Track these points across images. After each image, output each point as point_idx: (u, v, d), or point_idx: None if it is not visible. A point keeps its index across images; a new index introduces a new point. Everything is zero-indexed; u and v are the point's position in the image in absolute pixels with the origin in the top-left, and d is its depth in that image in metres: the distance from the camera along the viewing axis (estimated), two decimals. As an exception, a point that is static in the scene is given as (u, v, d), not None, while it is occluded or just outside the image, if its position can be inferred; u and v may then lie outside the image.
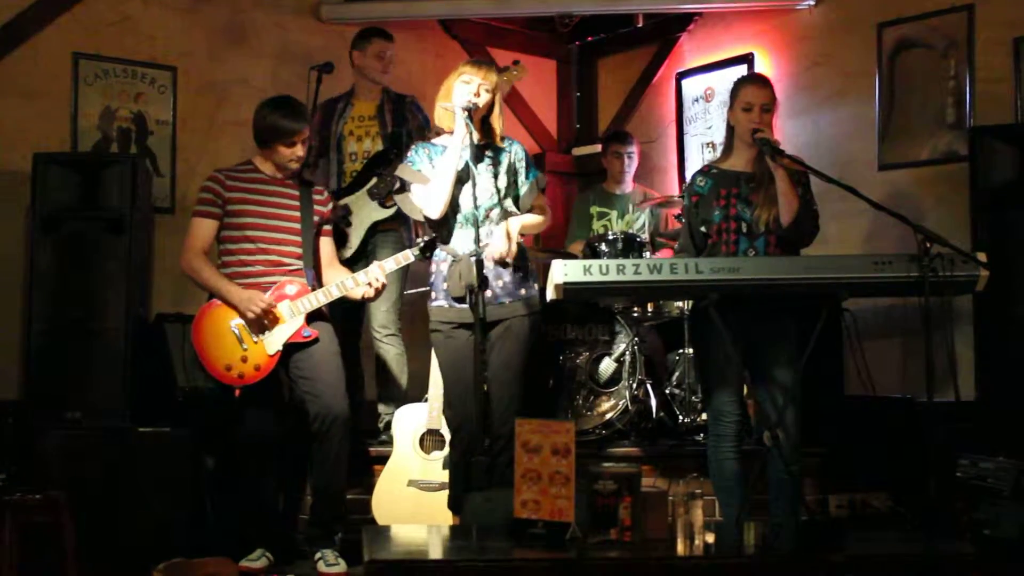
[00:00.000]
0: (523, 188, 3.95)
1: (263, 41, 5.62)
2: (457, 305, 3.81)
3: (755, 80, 4.00)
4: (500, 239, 3.80)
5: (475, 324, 3.64)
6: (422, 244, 3.95)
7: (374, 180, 4.77)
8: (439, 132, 4.01)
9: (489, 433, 3.70)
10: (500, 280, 3.84)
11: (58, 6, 5.04)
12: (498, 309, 3.81)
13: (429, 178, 3.84)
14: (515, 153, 3.95)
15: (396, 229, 4.85)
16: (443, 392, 4.07)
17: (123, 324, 4.35)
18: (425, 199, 3.85)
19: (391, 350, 4.89)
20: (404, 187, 3.97)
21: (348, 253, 4.69)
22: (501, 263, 3.83)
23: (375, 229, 4.78)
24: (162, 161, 5.28)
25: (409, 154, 3.99)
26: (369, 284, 3.98)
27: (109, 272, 4.38)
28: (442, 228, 3.89)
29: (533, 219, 3.95)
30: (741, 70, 5.78)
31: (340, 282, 4.02)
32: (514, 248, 3.83)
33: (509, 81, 4.83)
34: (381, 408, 4.96)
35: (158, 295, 5.05)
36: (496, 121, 3.88)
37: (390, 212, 4.78)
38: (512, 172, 3.92)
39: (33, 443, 4.13)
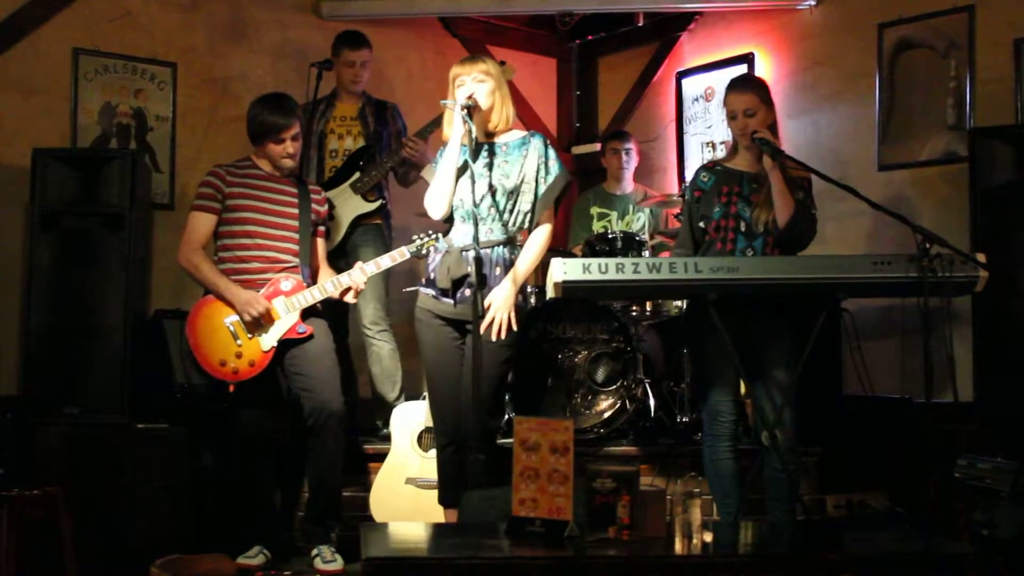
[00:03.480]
0: (543, 185, 3.83)
1: (263, 38, 5.61)
2: (444, 299, 3.79)
3: (734, 87, 3.86)
4: (502, 300, 3.70)
5: (473, 321, 3.63)
6: (418, 243, 3.95)
7: (357, 175, 4.78)
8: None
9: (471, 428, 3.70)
10: (491, 275, 3.81)
11: (58, 1, 5.03)
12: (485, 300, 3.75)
13: None
14: (535, 148, 3.84)
15: (377, 223, 4.86)
16: (425, 380, 4.03)
17: (122, 320, 4.35)
18: (428, 200, 3.85)
19: (385, 346, 4.89)
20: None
21: (330, 247, 4.69)
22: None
23: (357, 223, 4.79)
24: (161, 157, 5.28)
25: (437, 155, 3.93)
26: (350, 287, 4.01)
27: (108, 268, 4.39)
28: (447, 221, 3.89)
29: (534, 257, 3.82)
30: (741, 70, 5.78)
31: (322, 286, 4.03)
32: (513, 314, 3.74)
33: None
34: (378, 406, 4.96)
35: (157, 291, 5.04)
36: (496, 115, 3.83)
37: (373, 206, 4.80)
38: (529, 168, 3.81)
39: (32, 439, 4.14)
